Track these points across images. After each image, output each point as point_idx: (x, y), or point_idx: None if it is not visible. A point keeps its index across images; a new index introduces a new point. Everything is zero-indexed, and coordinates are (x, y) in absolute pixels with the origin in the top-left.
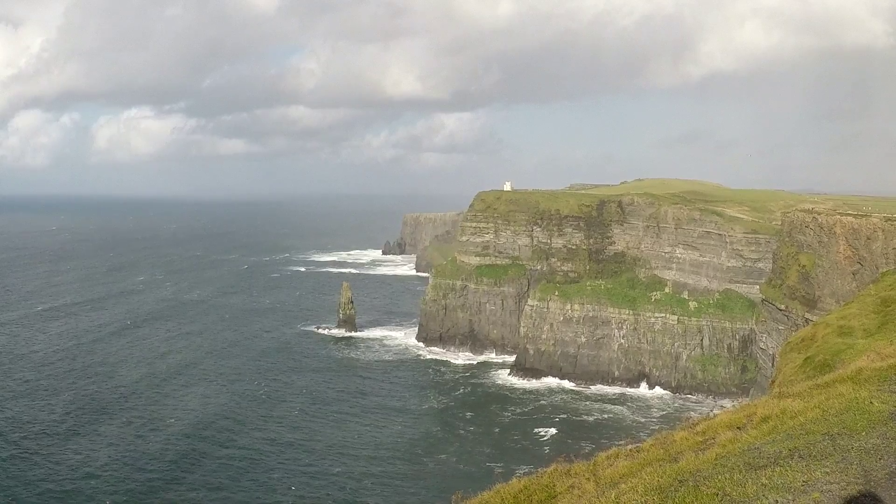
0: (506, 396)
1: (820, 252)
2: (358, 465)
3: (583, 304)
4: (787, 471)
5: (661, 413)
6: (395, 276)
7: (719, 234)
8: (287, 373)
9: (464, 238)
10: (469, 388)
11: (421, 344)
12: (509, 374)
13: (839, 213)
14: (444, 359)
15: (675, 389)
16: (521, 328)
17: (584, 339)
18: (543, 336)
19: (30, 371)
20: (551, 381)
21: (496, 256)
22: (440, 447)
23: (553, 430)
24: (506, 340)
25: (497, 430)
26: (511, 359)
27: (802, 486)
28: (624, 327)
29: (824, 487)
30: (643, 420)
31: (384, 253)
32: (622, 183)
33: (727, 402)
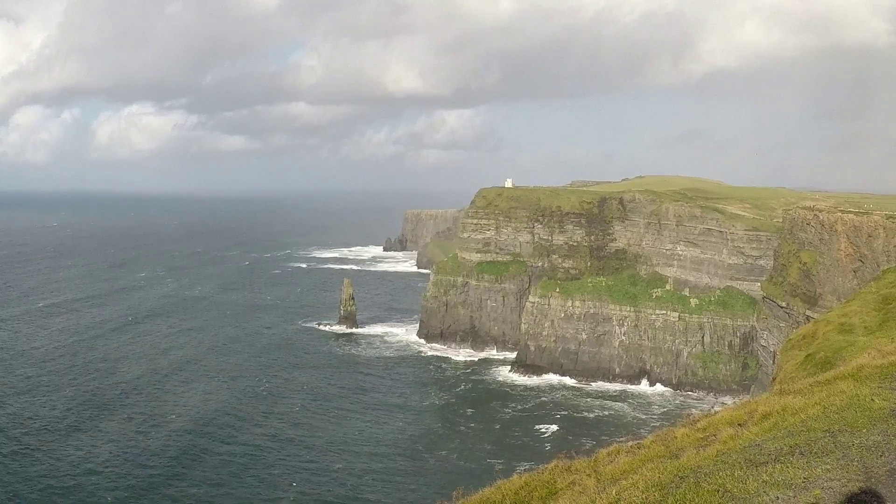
0: (507, 393)
1: (821, 249)
2: (359, 461)
3: (584, 300)
4: (787, 467)
5: (662, 410)
6: (396, 273)
7: (720, 232)
8: (288, 369)
9: (465, 235)
10: (470, 385)
11: (422, 340)
12: (510, 371)
13: (840, 211)
14: (445, 355)
15: (676, 386)
16: (522, 325)
17: (585, 336)
18: (544, 333)
19: (31, 367)
20: (552, 378)
21: (497, 253)
22: (441, 444)
23: (554, 427)
24: (507, 337)
25: (498, 426)
26: (512, 355)
27: (803, 482)
28: (625, 324)
29: (825, 484)
30: (644, 417)
31: (385, 249)
32: (623, 180)
33: (728, 399)
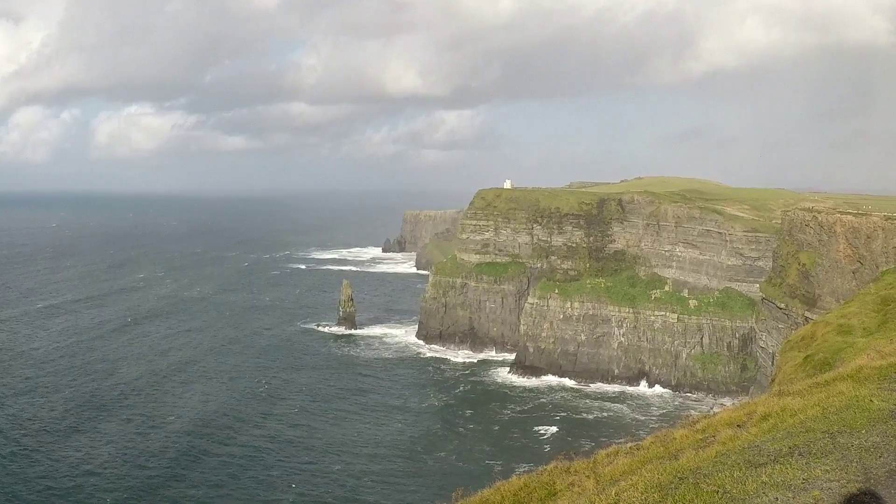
0: (505, 394)
1: (820, 251)
2: (358, 462)
3: (583, 302)
4: (787, 468)
5: (661, 411)
6: (395, 274)
7: (719, 233)
8: (287, 370)
9: (464, 236)
10: (469, 386)
11: (421, 342)
12: (509, 372)
13: (839, 212)
14: (444, 356)
15: (675, 388)
16: (521, 326)
17: (583, 338)
18: (543, 334)
19: (30, 368)
20: (551, 379)
21: (496, 254)
22: (440, 445)
23: (553, 428)
24: (506, 338)
25: (497, 427)
26: (511, 357)
27: (802, 483)
28: (624, 325)
29: (824, 485)
30: (643, 418)
31: (384, 250)
32: (622, 181)
33: (727, 401)
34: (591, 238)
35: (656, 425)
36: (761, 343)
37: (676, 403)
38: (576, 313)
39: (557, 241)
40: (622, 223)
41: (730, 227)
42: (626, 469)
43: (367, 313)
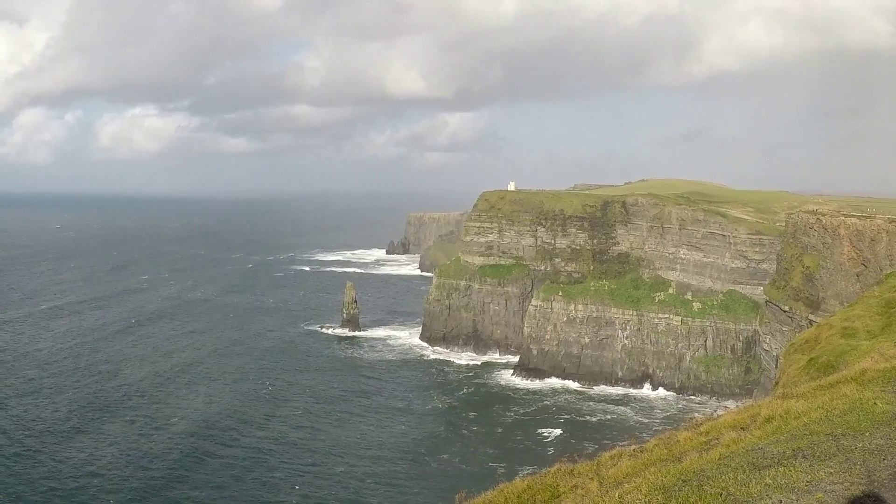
0: (509, 397)
1: (824, 253)
2: (361, 464)
3: (586, 304)
4: (790, 471)
5: (665, 414)
6: (399, 276)
7: (723, 235)
8: (291, 372)
9: (468, 238)
10: (472, 389)
11: (424, 344)
12: (513, 375)
13: (843, 215)
14: (448, 359)
15: (679, 390)
16: (525, 328)
17: (587, 340)
18: (547, 336)
19: (34, 369)
20: (555, 382)
21: (500, 256)
22: (443, 447)
23: (556, 431)
24: (509, 340)
25: (500, 430)
26: (514, 359)
27: (806, 486)
28: (627, 328)
29: (828, 488)
30: (647, 421)
31: (388, 252)
32: (626, 183)
33: (731, 404)
34: (595, 240)
35: (660, 428)
36: (765, 346)
37: (680, 406)
38: (579, 316)
39: (561, 243)
40: (626, 225)
41: (734, 229)
42: (630, 471)
43: (371, 315)
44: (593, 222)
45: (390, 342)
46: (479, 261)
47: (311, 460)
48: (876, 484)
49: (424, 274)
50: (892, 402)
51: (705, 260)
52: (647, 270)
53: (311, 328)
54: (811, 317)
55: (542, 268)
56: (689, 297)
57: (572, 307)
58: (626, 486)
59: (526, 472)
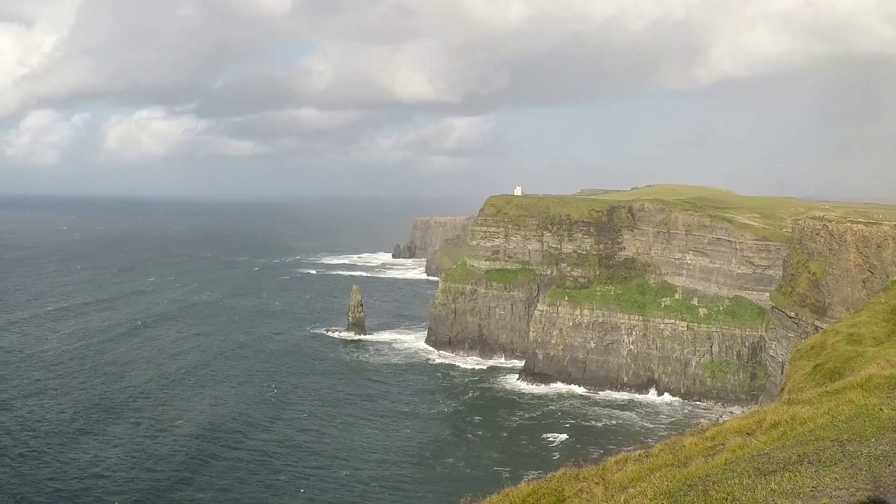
0: (514, 401)
1: (830, 260)
2: (366, 468)
3: (592, 309)
4: (796, 476)
5: (670, 419)
6: (405, 280)
7: (729, 241)
8: (296, 375)
9: (474, 242)
10: (478, 393)
11: (430, 348)
12: (518, 379)
13: (850, 221)
14: (453, 363)
15: (685, 396)
16: (531, 333)
17: (593, 345)
18: (553, 341)
19: (40, 370)
20: (560, 387)
21: (506, 261)
22: (448, 451)
23: (562, 436)
24: (515, 345)
25: (505, 434)
26: (520, 363)
27: (811, 491)
28: (633, 333)
29: (833, 493)
30: (652, 426)
31: (394, 256)
32: (633, 188)
33: (736, 409)
34: (602, 245)
35: (665, 433)
36: (771, 352)
37: (685, 412)
38: (585, 321)
39: (567, 248)
40: (632, 231)
41: (740, 235)
42: (635, 476)
43: (377, 319)
44: (599, 227)
45: (396, 346)
46: (485, 265)
47: (316, 463)
48: (881, 489)
49: (430, 278)
50: None
51: (711, 265)
52: (653, 276)
53: (316, 331)
54: (817, 323)
55: (549, 272)
56: (695, 303)
57: (578, 312)
58: (632, 490)
59: (531, 477)
